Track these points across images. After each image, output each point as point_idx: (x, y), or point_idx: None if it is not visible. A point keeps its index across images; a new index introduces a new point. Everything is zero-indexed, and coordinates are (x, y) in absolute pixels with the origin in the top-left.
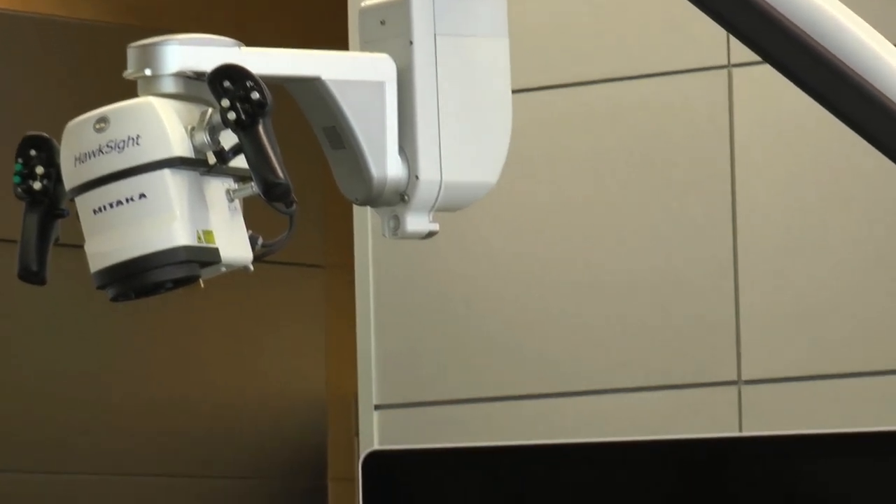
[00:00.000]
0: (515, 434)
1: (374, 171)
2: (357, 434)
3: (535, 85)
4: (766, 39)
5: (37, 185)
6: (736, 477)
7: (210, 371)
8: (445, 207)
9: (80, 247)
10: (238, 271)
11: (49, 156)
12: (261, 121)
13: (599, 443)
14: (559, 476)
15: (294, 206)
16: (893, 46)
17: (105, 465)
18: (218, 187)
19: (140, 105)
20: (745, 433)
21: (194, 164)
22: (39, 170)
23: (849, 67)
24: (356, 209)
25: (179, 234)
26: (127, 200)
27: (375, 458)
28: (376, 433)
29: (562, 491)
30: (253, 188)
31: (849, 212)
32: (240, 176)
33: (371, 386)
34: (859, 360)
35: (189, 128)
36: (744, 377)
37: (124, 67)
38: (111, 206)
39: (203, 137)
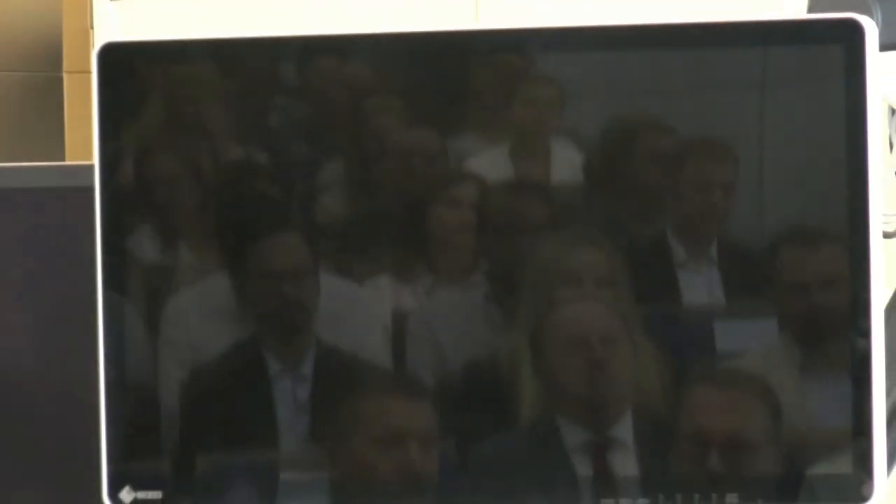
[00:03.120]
0: (258, 25)
1: None
2: (92, 27)
3: None
4: None
5: None
6: (471, 69)
7: None
8: None
9: None
10: None
11: None
12: None
13: (342, 35)
14: (297, 68)
15: None
16: None
17: None
18: None
19: None
20: (481, 26)
21: None
22: None
23: None
24: None
25: None
26: None
27: (111, 51)
28: (113, 26)
29: (300, 83)
30: None
31: None
32: None
33: None
34: None
35: None
36: None
37: None
38: None
39: None
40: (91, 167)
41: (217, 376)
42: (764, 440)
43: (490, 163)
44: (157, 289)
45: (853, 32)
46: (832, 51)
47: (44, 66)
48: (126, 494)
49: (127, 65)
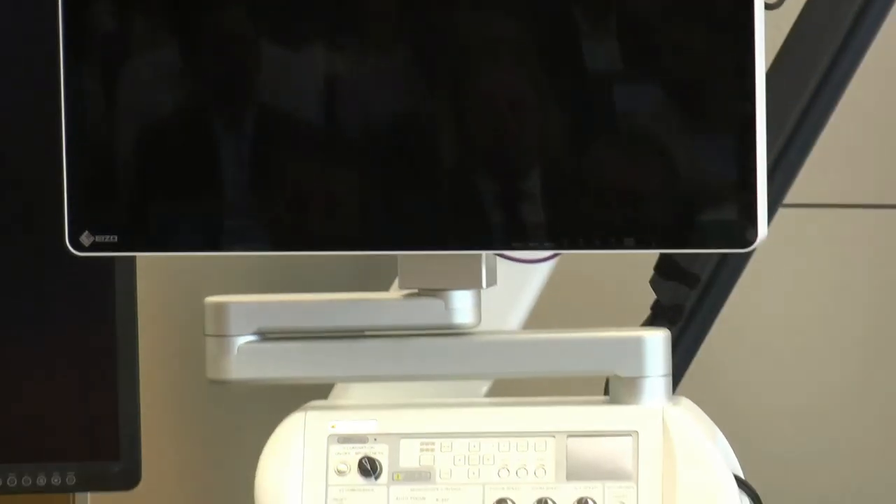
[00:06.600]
0: None
1: None
2: None
3: None
4: None
5: None
6: None
7: None
8: None
9: None
10: None
11: None
12: None
13: None
14: None
15: None
16: None
17: None
18: None
19: None
20: None
21: None
22: None
23: None
24: None
25: None
26: None
27: None
28: None
29: None
30: None
31: None
32: None
33: None
34: None
35: None
36: None
37: None
38: None
39: None
40: None
41: (167, 134)
42: (658, 191)
43: None
44: (113, 56)
45: None
46: None
47: None
48: (85, 238)
49: None
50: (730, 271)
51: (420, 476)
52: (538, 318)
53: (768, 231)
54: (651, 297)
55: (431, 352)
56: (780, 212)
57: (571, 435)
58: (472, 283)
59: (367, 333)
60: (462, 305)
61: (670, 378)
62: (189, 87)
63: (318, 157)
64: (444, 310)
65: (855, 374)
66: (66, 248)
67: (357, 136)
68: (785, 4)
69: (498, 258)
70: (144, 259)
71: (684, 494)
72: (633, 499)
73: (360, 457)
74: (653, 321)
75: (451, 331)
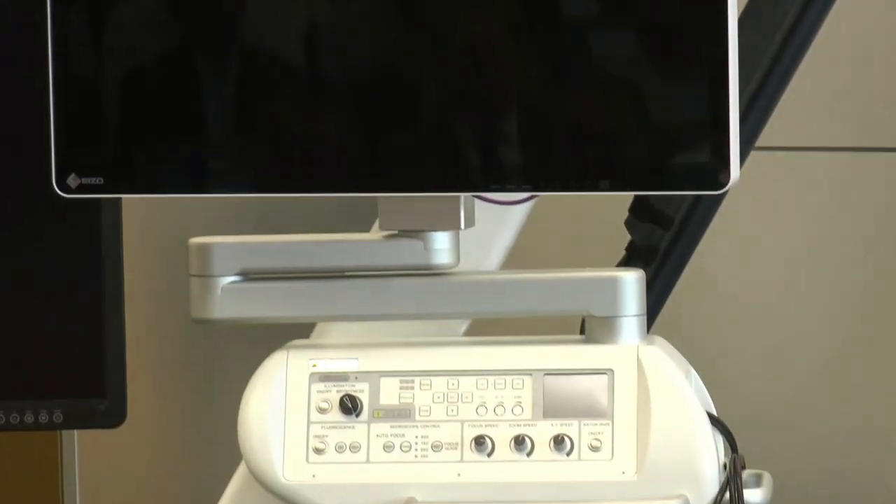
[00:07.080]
0: None
1: None
2: None
3: None
4: None
5: None
6: None
7: None
8: None
9: None
10: None
11: None
12: None
13: None
14: None
15: None
16: None
17: None
18: None
19: None
20: None
21: None
22: None
23: None
24: None
25: None
26: None
27: None
28: None
29: None
30: None
31: None
32: None
33: None
34: None
35: None
36: None
37: None
38: None
39: None
40: None
41: (153, 77)
42: (632, 134)
43: None
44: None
45: None
46: None
47: None
48: (72, 180)
49: None
50: (703, 213)
51: (400, 413)
52: (516, 258)
53: (741, 173)
54: (626, 237)
55: (411, 292)
56: (753, 154)
57: (548, 373)
58: (451, 224)
59: (349, 274)
60: (441, 246)
61: (645, 318)
62: (174, 30)
63: (300, 100)
64: (423, 250)
65: (824, 312)
66: (53, 190)
67: (338, 79)
68: None
69: (476, 200)
70: (130, 201)
71: (658, 431)
72: (608, 435)
73: (341, 395)
74: (627, 262)
75: (431, 271)
